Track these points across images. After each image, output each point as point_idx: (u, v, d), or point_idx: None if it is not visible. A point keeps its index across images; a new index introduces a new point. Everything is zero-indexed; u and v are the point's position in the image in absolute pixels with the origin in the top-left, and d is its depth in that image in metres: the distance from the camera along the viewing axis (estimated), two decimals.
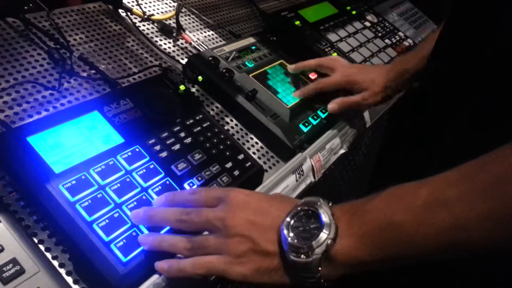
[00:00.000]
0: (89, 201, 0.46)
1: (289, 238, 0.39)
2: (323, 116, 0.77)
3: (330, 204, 0.41)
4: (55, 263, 0.44)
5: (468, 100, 0.54)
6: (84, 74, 0.65)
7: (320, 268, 0.39)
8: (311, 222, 0.40)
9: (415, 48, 0.85)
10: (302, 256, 0.39)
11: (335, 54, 0.93)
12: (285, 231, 0.40)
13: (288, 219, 0.41)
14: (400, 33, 1.19)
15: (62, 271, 0.44)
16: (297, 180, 0.67)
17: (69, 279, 0.43)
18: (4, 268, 0.38)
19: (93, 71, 0.66)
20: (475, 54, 0.53)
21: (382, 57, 1.03)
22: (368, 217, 0.39)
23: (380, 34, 1.12)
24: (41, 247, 0.44)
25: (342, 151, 0.79)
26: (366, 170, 1.12)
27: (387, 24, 1.19)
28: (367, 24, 1.13)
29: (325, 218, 0.39)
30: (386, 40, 1.11)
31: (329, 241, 0.38)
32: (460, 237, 0.35)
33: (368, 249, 0.38)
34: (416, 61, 0.77)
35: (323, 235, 0.38)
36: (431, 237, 0.36)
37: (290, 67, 0.82)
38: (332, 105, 0.76)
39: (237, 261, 0.41)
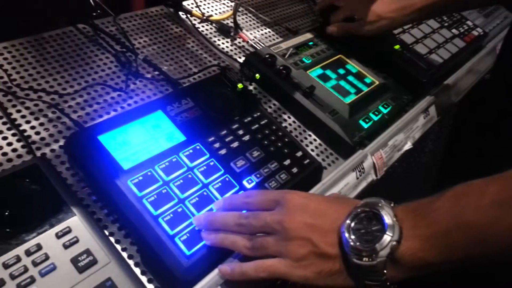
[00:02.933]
0: (155, 196, 0.48)
1: (351, 241, 0.39)
2: (385, 111, 0.74)
3: (392, 205, 0.40)
4: (124, 254, 0.46)
5: None
6: (148, 76, 0.68)
7: (385, 271, 0.37)
8: (373, 224, 0.39)
9: None
10: (365, 259, 0.38)
11: (397, 46, 0.89)
12: (346, 234, 0.39)
13: (348, 221, 0.40)
14: (469, 22, 1.11)
15: (131, 262, 0.46)
16: (357, 178, 0.65)
17: (137, 270, 0.45)
18: (79, 258, 0.41)
19: (156, 73, 0.68)
20: None
21: (450, 48, 0.97)
22: (434, 218, 0.37)
23: (446, 24, 1.05)
24: (112, 239, 0.47)
25: (406, 147, 0.76)
26: (432, 167, 1.06)
27: (454, 13, 1.11)
28: None
29: (387, 219, 0.38)
30: (453, 30, 1.05)
31: (393, 243, 0.37)
32: None
33: (435, 251, 0.36)
34: None
35: (387, 237, 0.37)
36: (502, 237, 0.34)
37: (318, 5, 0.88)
38: (331, 28, 0.83)
39: (298, 264, 0.41)
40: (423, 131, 0.80)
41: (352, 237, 0.39)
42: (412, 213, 0.39)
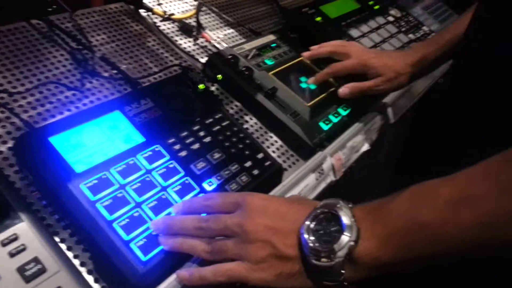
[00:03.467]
0: (110, 200, 0.46)
1: (310, 242, 0.39)
2: (344, 113, 0.76)
3: (350, 206, 0.40)
4: (76, 262, 0.44)
5: (495, 99, 0.52)
6: (106, 74, 0.65)
7: (343, 271, 0.38)
8: (332, 224, 0.39)
9: (434, 35, 0.83)
10: (324, 259, 0.38)
11: None
12: (305, 235, 0.39)
13: (307, 222, 0.40)
14: (425, 28, 1.16)
15: (83, 270, 0.44)
16: (317, 179, 0.66)
17: (90, 278, 0.44)
18: (26, 267, 0.39)
19: (114, 71, 0.66)
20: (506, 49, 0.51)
21: None
22: (391, 218, 0.38)
23: (403, 29, 1.09)
24: (62, 246, 0.45)
25: (364, 149, 0.78)
26: (388, 168, 1.10)
27: (411, 19, 1.15)
28: (390, 19, 1.10)
29: (346, 220, 0.38)
30: (410, 35, 1.08)
31: (351, 244, 0.37)
32: (487, 235, 0.34)
33: (392, 250, 0.37)
34: (435, 48, 0.75)
35: (345, 237, 0.38)
36: (456, 236, 0.35)
37: (305, 55, 0.80)
38: (343, 89, 0.74)
39: (257, 267, 0.40)
40: (380, 133, 0.83)
41: (311, 238, 0.39)
42: (370, 213, 0.39)
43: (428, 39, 0.82)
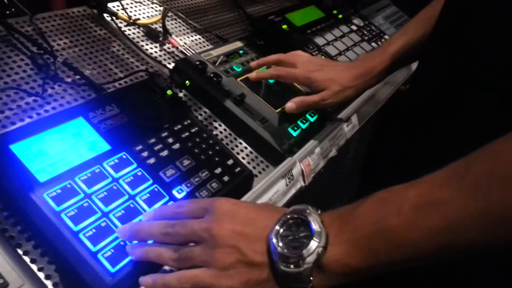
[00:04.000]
0: (75, 210, 0.45)
1: (279, 248, 0.38)
2: (312, 120, 0.77)
3: (319, 212, 0.40)
4: (41, 275, 0.42)
5: (459, 104, 0.55)
6: (69, 80, 0.63)
7: (311, 278, 0.38)
8: (301, 230, 0.39)
9: (382, 45, 0.83)
10: (292, 266, 0.37)
11: (322, 57, 0.93)
12: (274, 240, 0.39)
13: (277, 227, 0.40)
14: (386, 36, 1.20)
15: (48, 283, 0.42)
16: (287, 185, 0.67)
17: None
18: None
19: (77, 77, 0.64)
20: (468, 55, 0.53)
21: None
22: (358, 223, 0.38)
23: (366, 38, 1.13)
24: (26, 258, 0.42)
25: (331, 154, 0.79)
26: (355, 173, 1.13)
27: (373, 28, 1.20)
28: (354, 27, 1.14)
29: (315, 226, 0.38)
30: (373, 44, 1.12)
31: (320, 250, 0.37)
32: (453, 238, 0.35)
33: (360, 256, 0.37)
34: (382, 59, 0.75)
35: (314, 243, 0.37)
36: (423, 240, 0.35)
37: (252, 64, 0.79)
38: (290, 104, 0.73)
39: (224, 273, 0.39)
40: (346, 139, 0.85)
41: (280, 244, 0.39)
42: (338, 219, 0.39)
43: (375, 50, 0.81)
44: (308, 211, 0.40)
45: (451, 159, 0.37)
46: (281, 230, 0.39)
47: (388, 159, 0.73)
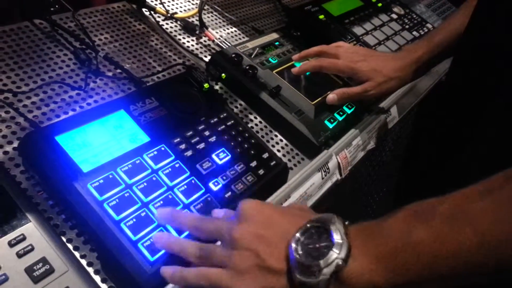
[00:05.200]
0: (117, 200, 0.46)
1: (297, 255, 0.37)
2: (349, 112, 0.75)
3: (346, 223, 0.38)
4: (83, 262, 0.44)
5: (502, 95, 0.52)
6: (110, 74, 0.65)
7: None
8: (322, 239, 0.37)
9: (426, 35, 0.79)
10: (309, 276, 0.36)
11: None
12: (294, 247, 0.37)
13: (298, 234, 0.38)
14: (428, 25, 1.15)
15: (90, 270, 0.44)
16: (322, 178, 0.66)
17: (97, 278, 0.44)
18: (35, 267, 0.38)
19: (118, 71, 0.66)
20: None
21: None
22: (384, 237, 0.36)
23: (407, 27, 1.09)
24: (70, 246, 0.44)
25: (369, 147, 0.77)
26: (393, 166, 1.09)
27: (414, 16, 1.15)
28: (394, 16, 1.10)
29: (336, 236, 0.36)
30: (414, 33, 1.08)
31: (339, 261, 0.35)
32: (487, 254, 0.32)
33: (383, 272, 0.35)
34: (426, 50, 0.72)
35: (333, 254, 0.35)
36: (454, 256, 0.33)
37: (294, 57, 0.78)
38: (331, 96, 0.72)
39: (240, 278, 0.38)
40: (385, 131, 0.82)
41: (300, 252, 0.37)
42: (364, 231, 0.37)
43: (419, 40, 0.78)
44: (332, 220, 0.38)
45: (489, 163, 0.35)
46: (302, 238, 0.38)
47: (429, 153, 0.70)
